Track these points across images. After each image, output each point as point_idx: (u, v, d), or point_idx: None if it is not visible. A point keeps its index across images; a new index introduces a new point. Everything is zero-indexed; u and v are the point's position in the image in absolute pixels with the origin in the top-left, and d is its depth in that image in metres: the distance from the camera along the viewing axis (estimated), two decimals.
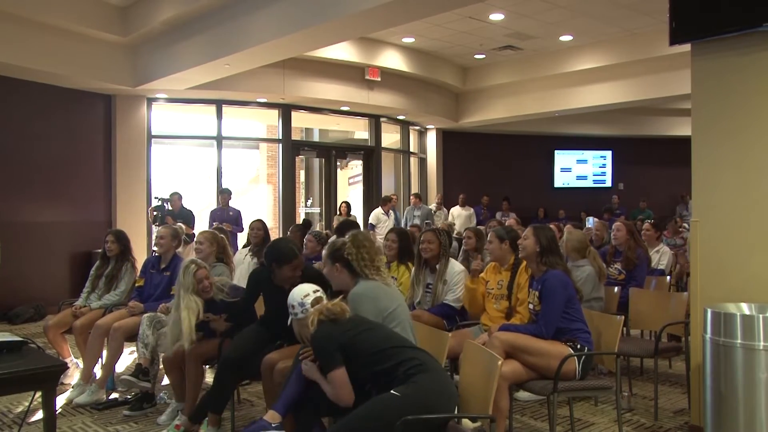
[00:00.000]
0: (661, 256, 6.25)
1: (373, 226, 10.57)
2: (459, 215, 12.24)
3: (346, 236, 3.46)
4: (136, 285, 5.19)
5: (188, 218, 8.69)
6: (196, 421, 3.93)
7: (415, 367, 2.74)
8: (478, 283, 4.33)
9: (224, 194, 9.29)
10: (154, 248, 5.43)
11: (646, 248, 5.81)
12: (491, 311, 4.24)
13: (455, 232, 10.14)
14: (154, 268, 5.13)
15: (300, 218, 11.91)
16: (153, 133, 10.11)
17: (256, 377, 3.89)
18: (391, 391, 2.67)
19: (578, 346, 3.52)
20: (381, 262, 3.41)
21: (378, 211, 10.91)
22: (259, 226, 6.40)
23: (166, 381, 4.91)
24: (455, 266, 4.69)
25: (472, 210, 12.48)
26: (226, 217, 8.94)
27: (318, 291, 3.16)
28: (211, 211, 9.32)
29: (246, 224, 7.49)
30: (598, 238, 6.75)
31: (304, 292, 3.11)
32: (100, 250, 5.67)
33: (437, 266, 4.64)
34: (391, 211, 11.00)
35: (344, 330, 2.88)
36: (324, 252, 3.59)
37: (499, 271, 4.30)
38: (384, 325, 3.07)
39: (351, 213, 10.59)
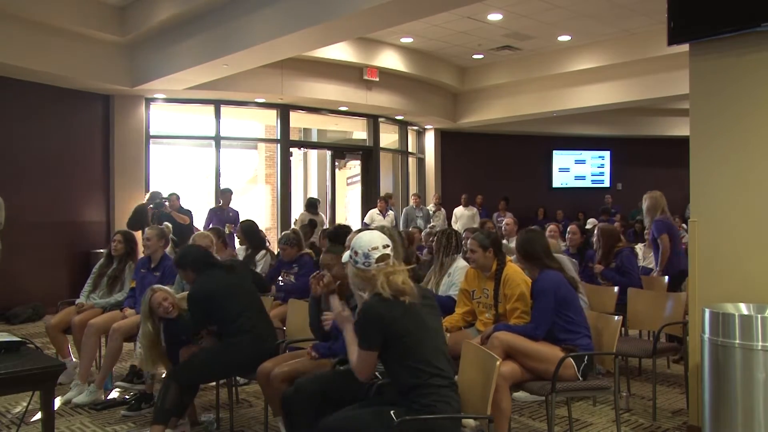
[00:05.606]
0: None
1: (367, 226, 10.55)
2: (462, 215, 12.20)
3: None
4: (131, 287, 5.20)
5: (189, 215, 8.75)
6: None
7: (435, 404, 2.63)
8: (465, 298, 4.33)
9: (227, 194, 9.28)
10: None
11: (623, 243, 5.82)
12: (484, 318, 4.19)
13: None
14: (144, 268, 5.15)
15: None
16: (151, 134, 10.11)
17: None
18: (391, 413, 2.63)
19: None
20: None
21: (374, 212, 10.93)
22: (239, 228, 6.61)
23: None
24: (460, 262, 4.74)
25: (475, 210, 12.43)
26: (225, 217, 8.94)
27: (387, 247, 2.86)
28: (210, 209, 9.33)
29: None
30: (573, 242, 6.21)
31: (374, 244, 2.83)
32: (101, 250, 5.68)
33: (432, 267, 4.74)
34: (390, 210, 10.99)
35: (396, 320, 2.66)
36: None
37: (483, 279, 4.21)
38: (438, 335, 2.84)
39: (317, 213, 10.34)
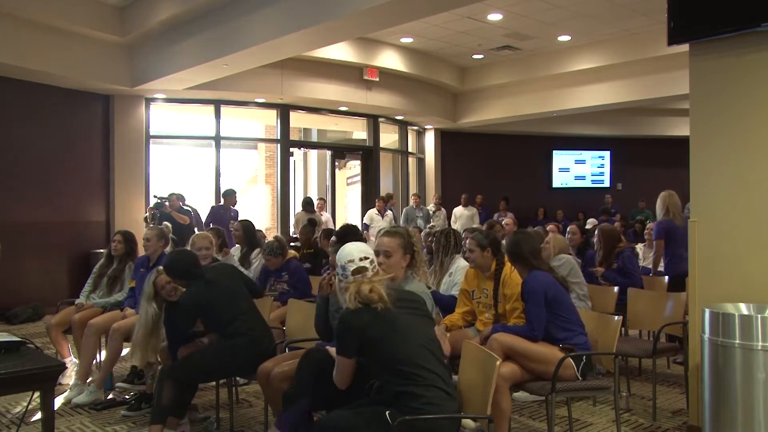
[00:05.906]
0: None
1: (367, 226, 10.57)
2: (461, 215, 12.21)
3: None
4: (130, 286, 5.21)
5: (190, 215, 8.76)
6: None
7: (423, 407, 2.60)
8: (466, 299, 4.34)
9: (232, 196, 9.30)
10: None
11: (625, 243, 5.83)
12: (483, 318, 4.19)
13: None
14: (143, 267, 5.15)
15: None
16: (151, 133, 10.11)
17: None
18: (386, 414, 2.63)
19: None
20: None
21: (372, 212, 10.93)
22: (237, 227, 6.63)
23: None
24: (461, 262, 4.75)
25: (474, 210, 12.43)
26: (227, 216, 8.96)
27: (365, 259, 2.91)
28: (212, 207, 9.36)
29: None
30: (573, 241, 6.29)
31: (350, 257, 2.90)
32: (100, 250, 5.69)
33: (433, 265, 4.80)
34: (389, 210, 10.99)
35: (366, 326, 2.70)
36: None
37: (482, 278, 4.22)
38: (422, 334, 2.81)
39: (314, 211, 10.30)
